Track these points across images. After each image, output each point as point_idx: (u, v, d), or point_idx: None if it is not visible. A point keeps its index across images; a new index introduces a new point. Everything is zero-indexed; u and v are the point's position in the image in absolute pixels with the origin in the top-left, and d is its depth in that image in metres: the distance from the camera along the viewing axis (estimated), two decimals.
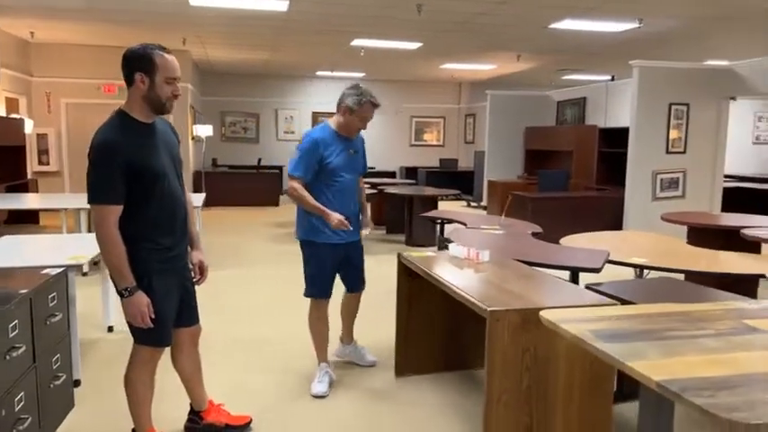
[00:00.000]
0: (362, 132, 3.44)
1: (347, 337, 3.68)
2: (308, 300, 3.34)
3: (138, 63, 2.27)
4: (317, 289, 3.29)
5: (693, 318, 1.78)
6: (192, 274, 2.64)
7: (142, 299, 2.30)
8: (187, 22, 8.35)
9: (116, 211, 2.26)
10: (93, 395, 3.18)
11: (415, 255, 3.33)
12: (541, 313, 1.83)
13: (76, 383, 3.19)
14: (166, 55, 2.30)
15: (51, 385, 2.75)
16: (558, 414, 2.48)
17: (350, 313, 3.61)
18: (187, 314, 2.60)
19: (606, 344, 1.53)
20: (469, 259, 3.22)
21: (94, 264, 3.40)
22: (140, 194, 2.30)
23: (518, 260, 3.31)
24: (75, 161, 10.32)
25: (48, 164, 10.54)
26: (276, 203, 12.24)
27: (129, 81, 2.29)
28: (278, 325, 4.42)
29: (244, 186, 12.14)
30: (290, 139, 15.16)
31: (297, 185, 3.17)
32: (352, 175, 3.34)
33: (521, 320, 2.37)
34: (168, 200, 2.40)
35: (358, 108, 3.21)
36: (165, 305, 2.41)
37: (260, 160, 13.58)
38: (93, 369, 3.52)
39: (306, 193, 3.17)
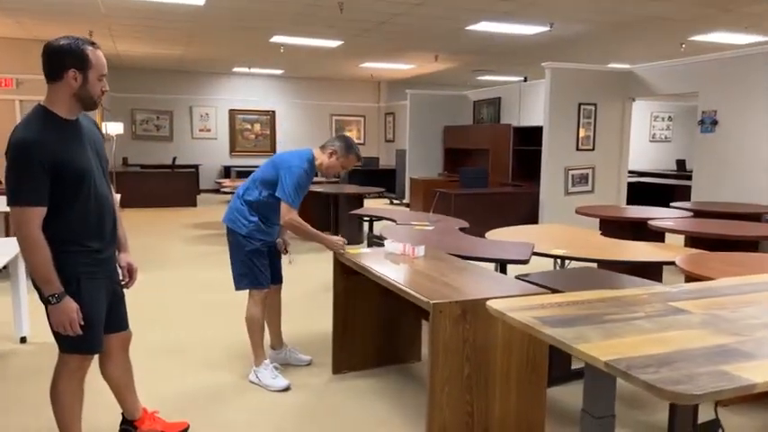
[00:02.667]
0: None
1: (277, 342, 3.66)
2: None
3: (71, 59, 2.13)
4: (264, 278, 3.34)
5: (625, 302, 1.91)
6: (121, 277, 2.52)
7: (71, 305, 2.16)
8: (96, 14, 7.91)
9: (39, 212, 2.11)
10: (10, 411, 2.95)
11: (352, 252, 3.34)
12: (488, 303, 1.90)
13: None
14: (97, 51, 2.19)
15: None
16: (496, 400, 2.58)
17: (275, 313, 3.61)
18: (116, 319, 2.48)
19: (553, 329, 1.61)
20: (405, 255, 3.27)
21: None
22: (66, 195, 2.17)
23: (451, 254, 3.40)
24: None
25: None
26: (194, 204, 11.84)
27: (57, 76, 2.14)
28: (204, 327, 4.30)
29: (158, 186, 11.64)
30: (206, 137, 14.72)
31: (297, 217, 3.26)
32: None
33: (461, 311, 2.45)
34: (96, 200, 2.28)
35: (345, 155, 3.38)
36: (95, 310, 2.28)
37: (175, 159, 13.08)
38: (8, 383, 3.28)
39: (308, 226, 3.29)
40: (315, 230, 3.32)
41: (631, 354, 1.44)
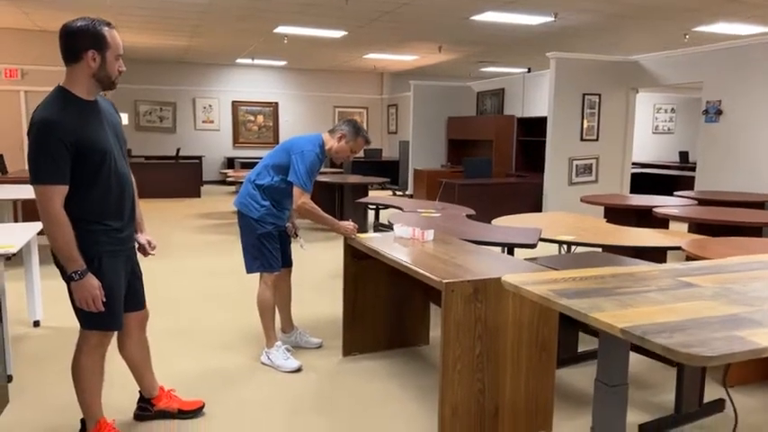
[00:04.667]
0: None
1: (288, 325, 3.71)
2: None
3: (89, 40, 2.17)
4: (275, 261, 3.39)
5: (637, 277, 1.96)
6: (140, 253, 2.58)
7: (93, 282, 2.21)
8: (101, 5, 7.92)
9: (62, 191, 2.16)
10: (27, 391, 3.01)
11: (363, 236, 3.39)
12: (503, 278, 1.94)
13: (9, 379, 3.01)
14: (113, 30, 2.24)
15: None
16: (507, 378, 2.63)
17: (285, 297, 3.66)
18: (135, 298, 2.53)
19: (569, 300, 1.66)
20: (415, 239, 3.31)
21: (7, 259, 3.20)
22: (87, 174, 2.21)
23: (459, 238, 3.44)
24: None
25: None
26: (198, 194, 11.88)
27: (76, 58, 2.18)
28: (215, 311, 4.35)
29: (162, 177, 11.67)
30: (209, 128, 14.75)
31: (310, 201, 3.30)
32: None
33: (473, 291, 2.49)
34: (116, 179, 2.32)
35: (353, 139, 3.41)
36: (116, 288, 2.33)
37: (179, 150, 13.11)
38: (24, 365, 3.33)
39: (321, 210, 3.34)
40: (326, 215, 3.36)
41: (646, 321, 1.49)
